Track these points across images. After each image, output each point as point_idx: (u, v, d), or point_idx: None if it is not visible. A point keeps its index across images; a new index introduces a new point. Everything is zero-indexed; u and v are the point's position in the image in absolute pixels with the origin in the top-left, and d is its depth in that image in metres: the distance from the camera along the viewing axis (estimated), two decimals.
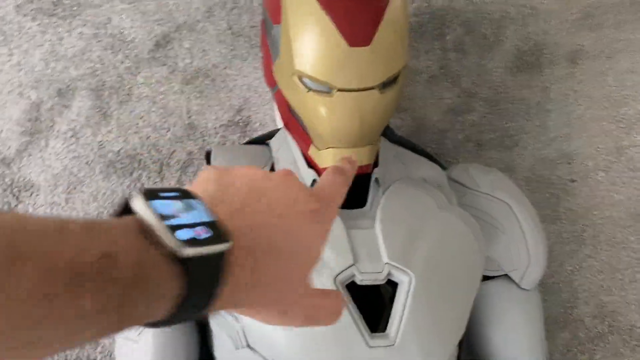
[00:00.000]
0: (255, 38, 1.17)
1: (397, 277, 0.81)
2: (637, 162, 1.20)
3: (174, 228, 0.28)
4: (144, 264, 0.27)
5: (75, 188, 1.08)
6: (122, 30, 1.13)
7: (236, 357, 0.82)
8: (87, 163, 1.09)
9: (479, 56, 1.22)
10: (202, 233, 0.29)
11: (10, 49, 1.10)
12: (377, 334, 0.77)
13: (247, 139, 1.13)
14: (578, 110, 1.22)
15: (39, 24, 1.12)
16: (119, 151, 1.10)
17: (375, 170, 0.89)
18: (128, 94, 1.12)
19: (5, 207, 1.06)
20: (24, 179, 1.07)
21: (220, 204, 0.33)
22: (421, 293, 0.79)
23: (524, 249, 0.95)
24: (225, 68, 1.15)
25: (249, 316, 0.35)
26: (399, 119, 1.19)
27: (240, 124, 1.14)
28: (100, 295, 0.25)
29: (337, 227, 0.81)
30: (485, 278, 0.95)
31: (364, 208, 0.86)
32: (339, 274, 0.78)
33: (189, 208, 0.30)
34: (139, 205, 0.29)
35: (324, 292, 0.38)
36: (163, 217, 0.28)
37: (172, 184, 1.11)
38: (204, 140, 1.12)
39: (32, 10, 1.13)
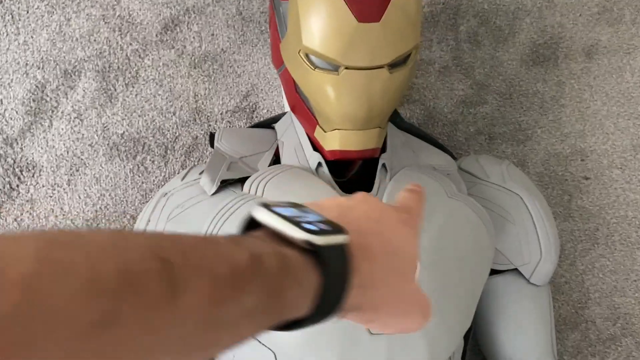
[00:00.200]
0: (266, 24, 1.15)
1: None
2: None
3: (299, 224, 0.32)
4: (285, 258, 0.30)
5: (77, 170, 1.07)
6: (130, 12, 1.12)
7: (238, 348, 0.79)
8: (90, 145, 1.08)
9: (493, 48, 1.19)
10: (323, 226, 0.32)
11: (18, 28, 1.09)
12: None
13: None
14: (593, 105, 1.19)
15: (47, 4, 1.11)
16: (123, 134, 1.09)
17: (383, 155, 0.86)
18: (135, 77, 1.10)
19: (7, 187, 1.04)
20: (26, 159, 1.06)
21: (322, 212, 0.37)
22: (426, 281, 0.76)
23: (535, 243, 0.92)
24: (233, 53, 1.14)
25: (369, 322, 0.37)
26: (408, 109, 1.16)
27: (247, 110, 1.12)
28: (257, 291, 0.27)
29: None
30: (494, 272, 0.92)
31: (370, 193, 0.83)
32: None
33: (303, 211, 0.34)
34: (262, 213, 0.33)
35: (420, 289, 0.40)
36: (286, 218, 0.32)
37: (176, 168, 1.09)
38: (209, 125, 1.11)
39: None
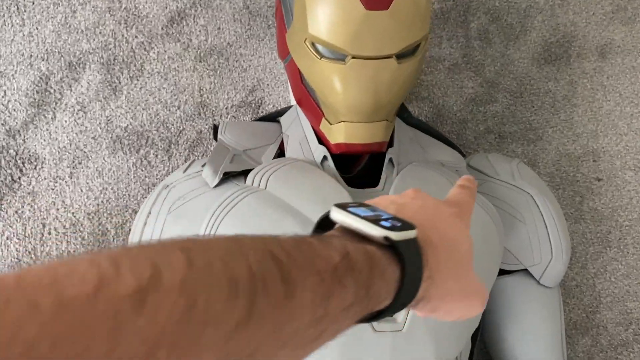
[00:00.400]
0: (273, 18, 1.13)
1: None
2: None
3: (377, 222, 0.34)
4: (369, 254, 0.32)
5: (80, 163, 1.05)
6: (136, 5, 1.11)
7: None
8: (93, 138, 1.06)
9: (504, 46, 1.17)
10: (395, 223, 0.35)
11: (23, 19, 1.08)
12: None
13: None
14: (606, 106, 1.16)
15: None
16: (126, 127, 1.07)
17: (390, 150, 0.84)
18: (139, 70, 1.09)
19: (8, 179, 1.03)
20: (28, 152, 1.05)
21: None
22: None
23: (545, 243, 0.89)
24: (240, 47, 1.12)
25: (434, 311, 0.39)
26: (417, 107, 1.14)
27: (253, 105, 1.11)
28: (352, 285, 0.29)
29: None
30: (503, 272, 0.89)
31: (377, 188, 0.81)
32: None
33: (373, 210, 0.37)
34: (339, 214, 0.35)
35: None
36: (364, 218, 0.34)
37: (180, 163, 1.07)
38: (214, 120, 1.09)
39: None
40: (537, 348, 0.88)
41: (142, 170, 1.06)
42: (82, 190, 1.04)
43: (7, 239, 1.01)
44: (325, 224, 0.38)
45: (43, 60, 1.08)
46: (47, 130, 1.06)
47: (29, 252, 1.01)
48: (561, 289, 1.00)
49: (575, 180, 1.13)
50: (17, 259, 1.00)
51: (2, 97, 1.06)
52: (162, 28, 1.11)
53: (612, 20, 1.19)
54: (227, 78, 1.11)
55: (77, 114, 1.07)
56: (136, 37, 1.10)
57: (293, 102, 0.94)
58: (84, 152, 1.06)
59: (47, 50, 1.08)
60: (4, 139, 1.04)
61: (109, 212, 1.03)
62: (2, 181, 1.03)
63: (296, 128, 0.88)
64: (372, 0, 0.70)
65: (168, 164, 1.07)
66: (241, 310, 0.23)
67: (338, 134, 0.80)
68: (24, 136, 1.05)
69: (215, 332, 0.22)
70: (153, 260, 0.22)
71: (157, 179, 1.06)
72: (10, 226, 1.02)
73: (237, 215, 0.74)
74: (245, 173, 0.82)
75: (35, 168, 1.04)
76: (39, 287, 0.19)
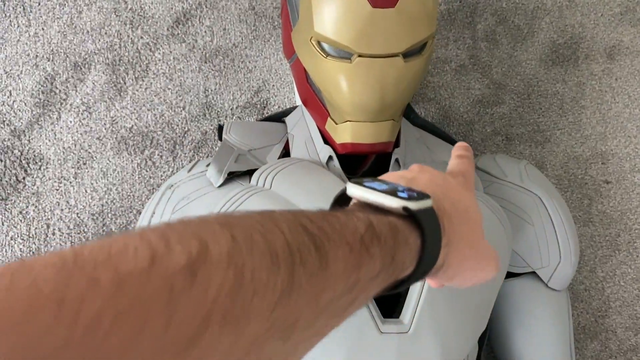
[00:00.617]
0: (278, 19, 1.13)
1: None
2: None
3: (394, 194, 0.35)
4: (392, 224, 0.33)
5: (85, 163, 1.05)
6: (142, 6, 1.10)
7: None
8: (98, 138, 1.06)
9: (511, 47, 1.16)
10: (411, 194, 0.35)
11: (29, 19, 1.08)
12: (389, 319, 0.70)
13: None
14: (615, 108, 1.15)
15: None
16: (131, 128, 1.07)
17: (396, 150, 0.83)
18: (145, 70, 1.09)
19: (13, 179, 1.03)
20: (33, 152, 1.04)
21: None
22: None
23: (554, 245, 0.88)
24: (245, 48, 1.12)
25: (451, 278, 0.40)
26: (423, 108, 1.13)
27: (258, 106, 1.10)
28: (379, 254, 0.30)
29: None
30: (510, 275, 0.88)
31: None
32: None
33: (387, 183, 0.37)
34: (356, 189, 0.36)
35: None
36: (381, 191, 0.35)
37: (185, 164, 1.06)
38: (219, 121, 1.08)
39: None
40: (545, 352, 0.87)
41: (146, 171, 1.05)
42: (86, 191, 1.04)
43: (12, 239, 1.01)
44: (341, 201, 0.39)
45: (48, 60, 1.08)
46: (52, 130, 1.05)
47: (33, 253, 1.01)
48: (569, 293, 0.98)
49: (584, 182, 1.12)
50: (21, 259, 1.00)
51: (8, 97, 1.05)
52: (167, 29, 1.10)
53: (621, 22, 1.18)
54: (233, 79, 1.10)
55: (82, 114, 1.06)
56: (142, 37, 1.10)
57: (298, 102, 0.93)
58: (89, 152, 1.05)
59: (52, 50, 1.08)
60: (9, 139, 1.04)
61: (113, 212, 1.03)
62: (6, 181, 1.02)
63: (301, 128, 0.88)
64: None
65: (173, 165, 1.06)
66: (283, 281, 0.24)
67: (344, 134, 0.79)
68: (29, 136, 1.05)
69: (262, 302, 0.23)
70: (199, 235, 0.23)
71: (161, 179, 1.05)
72: (14, 226, 1.01)
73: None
74: (250, 173, 0.82)
75: (39, 168, 1.04)
76: (97, 264, 0.20)
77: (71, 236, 1.02)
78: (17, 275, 0.18)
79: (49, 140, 1.05)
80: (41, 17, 1.09)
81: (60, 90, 1.07)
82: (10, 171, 1.03)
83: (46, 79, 1.07)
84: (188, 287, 0.21)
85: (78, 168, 1.05)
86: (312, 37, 0.75)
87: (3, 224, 1.02)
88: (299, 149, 0.85)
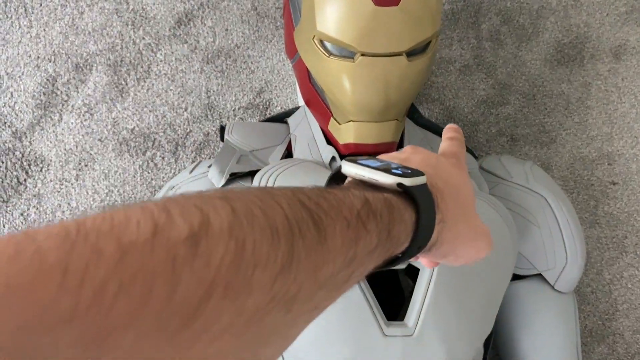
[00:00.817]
0: (281, 20, 1.12)
1: (419, 262, 0.73)
2: None
3: (389, 171, 0.35)
4: (387, 199, 0.33)
5: (86, 165, 1.04)
6: (144, 7, 1.10)
7: None
8: (100, 140, 1.05)
9: (516, 47, 1.15)
10: (405, 170, 0.36)
11: (30, 20, 1.08)
12: (394, 322, 0.69)
13: None
14: (621, 108, 1.14)
15: None
16: (133, 129, 1.06)
17: None
18: (146, 71, 1.08)
19: (14, 181, 1.02)
20: (34, 154, 1.04)
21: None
22: (444, 282, 0.72)
23: (560, 247, 0.86)
24: (247, 49, 1.11)
25: (445, 256, 0.41)
26: (427, 109, 1.12)
27: (260, 107, 1.09)
28: (375, 229, 0.31)
29: None
30: (516, 277, 0.87)
31: None
32: None
33: (382, 161, 0.38)
34: (351, 167, 0.37)
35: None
36: (375, 168, 0.36)
37: (187, 165, 1.06)
38: (221, 122, 1.08)
39: None
40: (551, 356, 0.85)
41: (148, 173, 1.04)
42: (88, 193, 1.03)
43: None
44: (336, 180, 0.39)
45: (50, 61, 1.07)
46: (54, 132, 1.05)
47: None
48: (576, 295, 0.97)
49: (590, 184, 1.11)
50: None
51: (9, 98, 1.05)
52: (169, 29, 1.10)
53: (627, 21, 1.17)
54: (235, 80, 1.10)
55: (83, 115, 1.06)
56: (143, 38, 1.09)
57: (301, 103, 0.92)
58: (90, 154, 1.05)
59: (54, 51, 1.07)
60: (10, 140, 1.04)
61: None
62: (8, 183, 1.02)
63: (304, 128, 0.87)
64: None
65: (175, 166, 1.05)
66: (284, 255, 0.25)
67: (347, 134, 0.78)
68: (30, 138, 1.04)
69: (263, 275, 0.23)
70: (200, 207, 0.23)
71: (163, 181, 1.04)
72: (15, 229, 1.01)
73: None
74: (252, 174, 0.81)
75: (41, 170, 1.03)
76: (100, 234, 0.20)
77: None
78: (21, 245, 0.18)
79: (50, 142, 1.04)
80: (43, 18, 1.08)
81: (61, 92, 1.06)
82: (12, 173, 1.02)
83: (47, 80, 1.06)
84: (191, 258, 0.21)
85: (79, 170, 1.04)
86: (314, 36, 0.74)
87: (4, 226, 1.01)
88: (302, 149, 0.84)
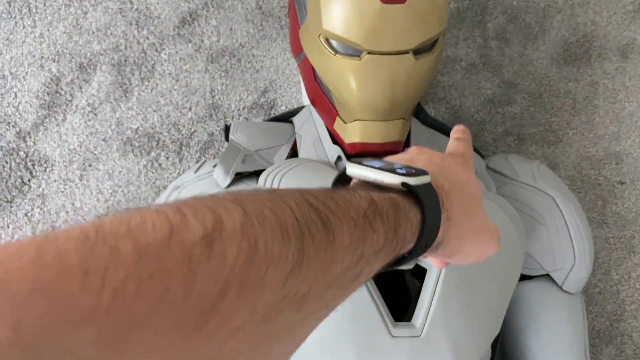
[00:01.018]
0: (286, 19, 1.12)
1: (426, 262, 0.72)
2: None
3: (393, 171, 0.36)
4: (393, 199, 0.34)
5: (90, 165, 1.04)
6: (148, 6, 1.09)
7: None
8: (104, 140, 1.05)
9: (522, 46, 1.14)
10: (410, 170, 0.36)
11: (34, 20, 1.08)
12: (401, 323, 0.69)
13: None
14: (629, 107, 1.13)
15: None
16: (137, 129, 1.05)
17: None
18: (151, 71, 1.08)
19: (18, 181, 1.02)
20: (38, 154, 1.03)
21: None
22: (451, 282, 0.71)
23: (568, 247, 0.86)
24: (252, 48, 1.10)
25: (451, 255, 0.41)
26: (433, 108, 1.12)
27: (265, 106, 1.09)
28: (381, 229, 0.31)
29: None
30: (524, 278, 0.86)
31: None
32: None
33: (386, 162, 0.39)
34: (356, 168, 0.37)
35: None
36: (379, 169, 0.36)
37: (191, 165, 1.05)
38: (226, 121, 1.07)
39: None
40: (559, 357, 0.85)
41: (152, 173, 1.04)
42: (92, 193, 1.03)
43: None
44: (341, 181, 0.40)
45: (54, 61, 1.07)
46: (58, 132, 1.04)
47: None
48: (584, 296, 0.96)
49: (597, 183, 1.10)
50: None
51: (13, 98, 1.05)
52: (173, 29, 1.09)
53: (634, 20, 1.16)
54: (239, 79, 1.09)
55: (87, 115, 1.05)
56: (147, 38, 1.09)
57: (306, 102, 0.91)
58: (94, 154, 1.04)
59: (58, 51, 1.07)
60: (14, 140, 1.03)
61: None
62: (12, 183, 1.01)
63: (309, 128, 0.86)
64: None
65: (179, 166, 1.05)
66: (294, 254, 0.25)
67: (353, 133, 0.78)
68: (34, 138, 1.04)
69: (275, 274, 0.24)
70: (213, 209, 0.24)
71: (167, 181, 1.04)
72: (19, 229, 1.00)
73: None
74: (257, 174, 0.80)
75: (45, 170, 1.03)
76: (118, 236, 0.20)
77: None
78: (43, 248, 0.19)
79: (54, 142, 1.04)
80: (46, 18, 1.08)
81: (65, 92, 1.06)
82: (16, 173, 1.02)
83: (51, 80, 1.06)
84: (206, 258, 0.22)
85: (83, 170, 1.03)
86: (320, 34, 0.73)
87: (8, 227, 1.01)
88: (307, 149, 0.84)
